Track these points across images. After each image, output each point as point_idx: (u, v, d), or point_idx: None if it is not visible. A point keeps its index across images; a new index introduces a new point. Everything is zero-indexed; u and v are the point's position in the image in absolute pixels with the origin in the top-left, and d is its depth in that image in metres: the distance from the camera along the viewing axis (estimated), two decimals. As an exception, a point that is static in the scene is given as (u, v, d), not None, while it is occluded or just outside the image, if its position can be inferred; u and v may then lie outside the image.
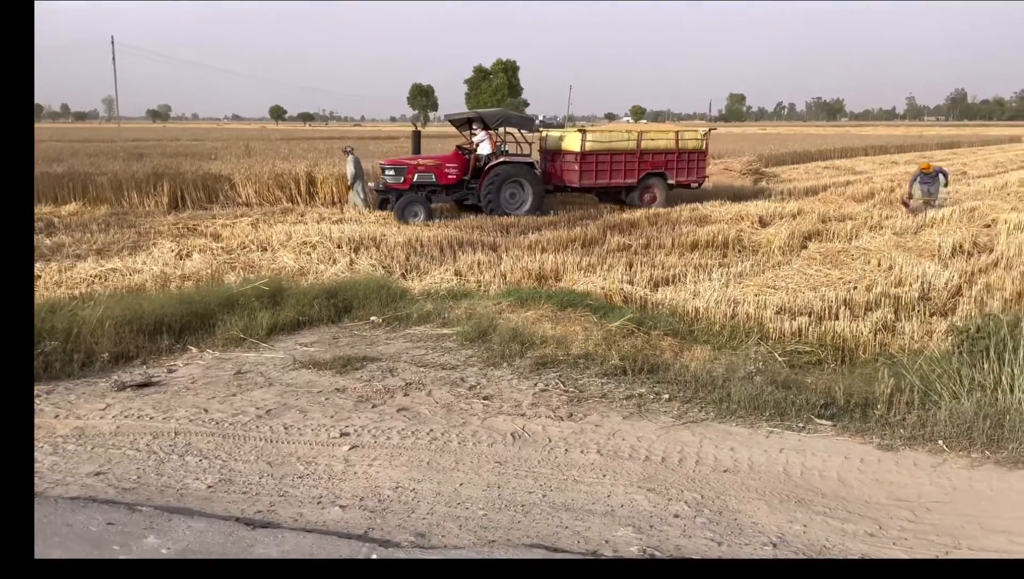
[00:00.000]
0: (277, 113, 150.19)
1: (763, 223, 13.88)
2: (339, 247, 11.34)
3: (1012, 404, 4.78)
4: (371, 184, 16.22)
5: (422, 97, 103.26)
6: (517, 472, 4.24)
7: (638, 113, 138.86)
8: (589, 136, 15.97)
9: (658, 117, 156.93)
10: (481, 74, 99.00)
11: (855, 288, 8.72)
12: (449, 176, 15.29)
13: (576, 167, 15.83)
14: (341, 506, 3.83)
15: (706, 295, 8.40)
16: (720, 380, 5.49)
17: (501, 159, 15.39)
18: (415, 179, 14.95)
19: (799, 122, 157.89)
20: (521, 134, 16.43)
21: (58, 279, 9.47)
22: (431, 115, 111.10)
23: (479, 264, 10.48)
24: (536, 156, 16.66)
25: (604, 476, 4.19)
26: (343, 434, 4.75)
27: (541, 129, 18.14)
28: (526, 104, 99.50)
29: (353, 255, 10.96)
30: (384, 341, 6.92)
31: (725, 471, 4.26)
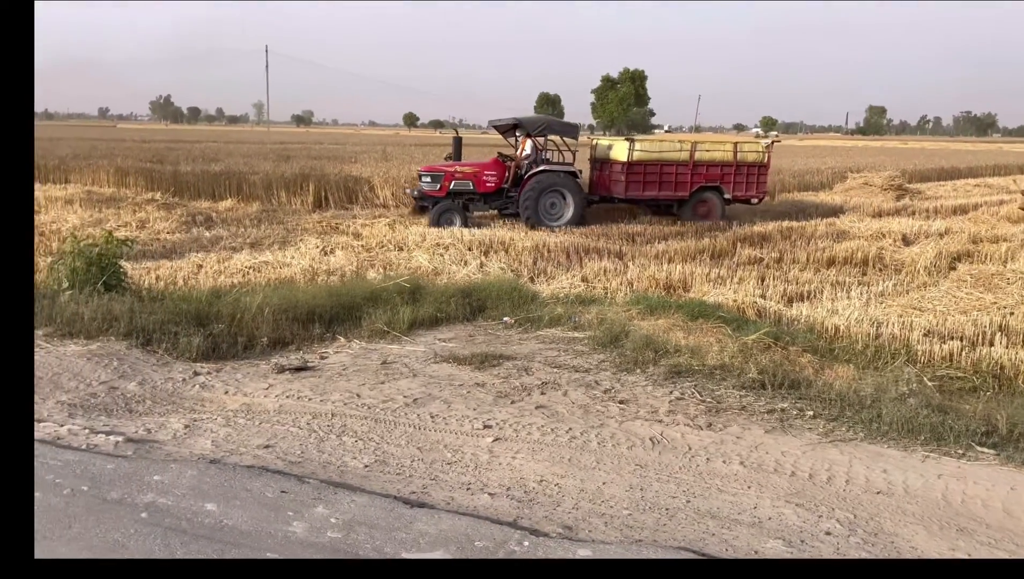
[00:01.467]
0: (410, 120, 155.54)
1: (907, 241, 13.18)
2: (470, 249, 11.70)
3: None
4: (407, 190, 16.02)
5: (548, 106, 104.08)
6: (659, 476, 4.27)
7: (768, 124, 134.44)
8: (637, 145, 15.32)
9: (789, 129, 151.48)
10: (608, 83, 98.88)
11: (1012, 314, 8.15)
12: (487, 184, 14.75)
13: (622, 177, 15.14)
14: (490, 494, 4.00)
15: (845, 313, 8.10)
16: (868, 400, 5.30)
17: (542, 167, 14.75)
18: (451, 186, 14.43)
19: (945, 137, 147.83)
20: (565, 142, 15.82)
21: (218, 269, 10.30)
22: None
23: (605, 271, 10.52)
24: (586, 165, 16.20)
25: (749, 487, 4.15)
26: (486, 426, 4.94)
27: (591, 137, 17.71)
28: (652, 114, 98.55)
29: (483, 258, 11.27)
30: (518, 341, 7.10)
31: (878, 493, 4.11)
